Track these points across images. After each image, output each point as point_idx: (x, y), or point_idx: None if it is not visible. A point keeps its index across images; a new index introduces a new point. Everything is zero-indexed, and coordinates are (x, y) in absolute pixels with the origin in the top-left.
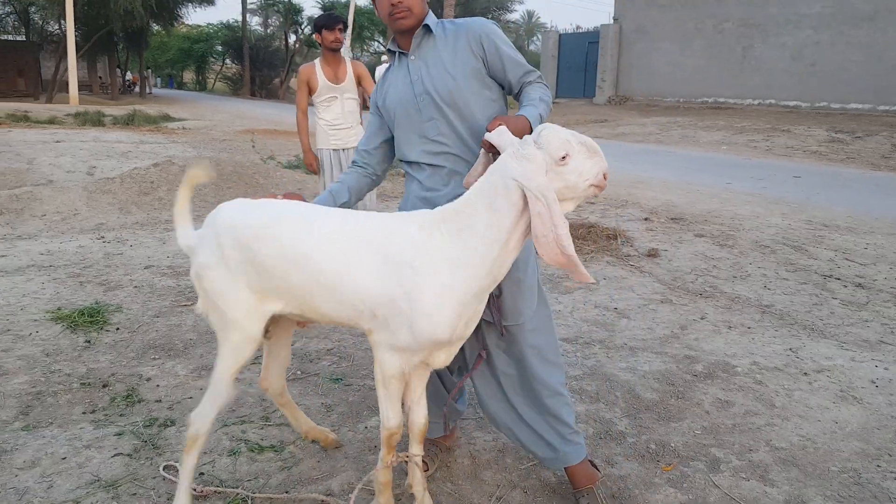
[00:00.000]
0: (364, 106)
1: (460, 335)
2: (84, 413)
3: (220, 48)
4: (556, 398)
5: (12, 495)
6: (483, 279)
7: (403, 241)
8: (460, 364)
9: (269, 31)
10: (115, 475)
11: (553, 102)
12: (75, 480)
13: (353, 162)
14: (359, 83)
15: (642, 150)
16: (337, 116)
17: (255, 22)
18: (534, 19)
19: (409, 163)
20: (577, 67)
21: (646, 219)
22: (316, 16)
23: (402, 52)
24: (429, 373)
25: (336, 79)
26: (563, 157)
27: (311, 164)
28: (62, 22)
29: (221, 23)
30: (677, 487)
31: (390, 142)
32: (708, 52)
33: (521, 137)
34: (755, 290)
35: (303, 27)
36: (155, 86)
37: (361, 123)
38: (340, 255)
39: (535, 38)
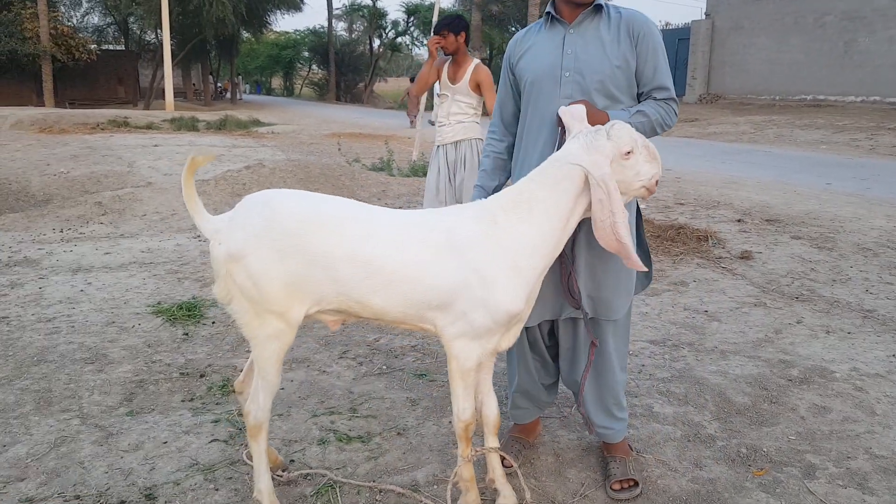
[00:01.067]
0: (484, 112)
1: (527, 312)
2: (183, 401)
3: (306, 54)
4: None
5: (118, 475)
6: (546, 257)
7: (466, 229)
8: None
9: (353, 35)
10: (212, 460)
11: None
12: (176, 463)
13: (491, 137)
14: (478, 89)
15: (735, 149)
16: (443, 114)
17: (340, 27)
18: None
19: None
20: None
21: (738, 220)
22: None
23: (559, 20)
24: (493, 363)
25: (454, 78)
26: (628, 153)
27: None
28: (158, 31)
29: (308, 29)
30: (769, 493)
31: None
32: (807, 47)
33: None
34: (856, 294)
35: (387, 31)
36: (245, 92)
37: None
38: (407, 250)
39: None
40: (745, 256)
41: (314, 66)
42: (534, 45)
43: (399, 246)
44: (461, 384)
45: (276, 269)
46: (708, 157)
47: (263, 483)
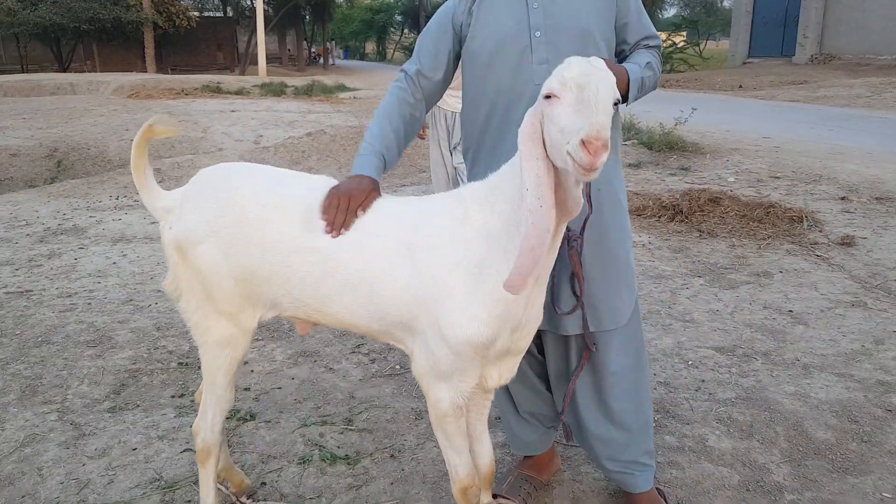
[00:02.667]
0: None
1: (512, 342)
2: (172, 397)
3: (399, 18)
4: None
5: (73, 487)
6: None
7: (432, 224)
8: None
9: None
10: (177, 475)
11: (745, 62)
12: (137, 477)
13: (397, 86)
14: None
15: (846, 115)
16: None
17: None
18: None
19: (487, 128)
20: (776, 23)
21: (842, 198)
22: None
23: None
24: (488, 401)
25: None
26: (548, 97)
27: None
28: None
29: None
30: None
31: (450, 71)
32: None
33: None
34: None
35: None
36: (338, 57)
37: None
38: (365, 248)
39: None
40: (847, 242)
41: (406, 30)
42: (485, 4)
43: (358, 242)
44: (441, 434)
45: (227, 263)
46: (813, 124)
47: None
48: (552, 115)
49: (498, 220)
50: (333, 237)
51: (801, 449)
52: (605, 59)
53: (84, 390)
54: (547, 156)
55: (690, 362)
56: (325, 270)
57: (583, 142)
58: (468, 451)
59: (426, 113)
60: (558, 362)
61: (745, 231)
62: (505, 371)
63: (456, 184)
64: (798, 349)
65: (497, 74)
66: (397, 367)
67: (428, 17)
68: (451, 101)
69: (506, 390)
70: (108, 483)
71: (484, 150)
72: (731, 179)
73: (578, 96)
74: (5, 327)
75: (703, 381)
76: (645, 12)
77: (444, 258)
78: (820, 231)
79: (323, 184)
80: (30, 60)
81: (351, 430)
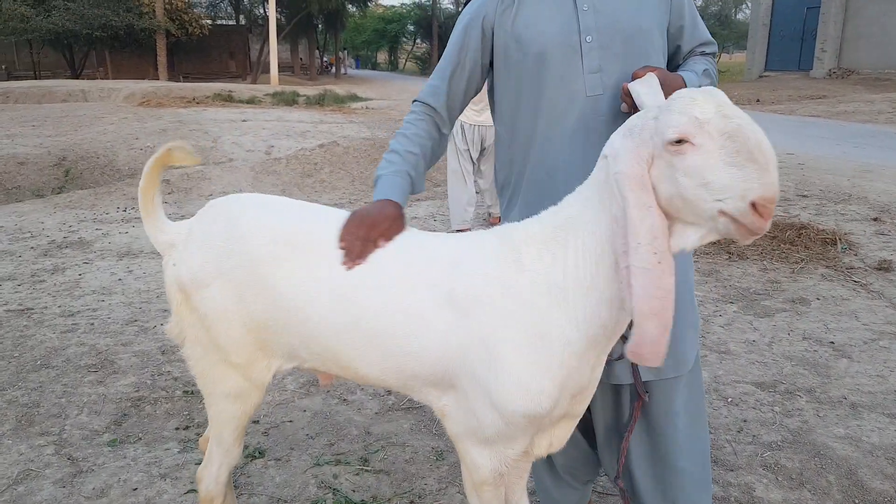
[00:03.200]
0: None
1: (570, 406)
2: (177, 429)
3: (411, 28)
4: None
5: None
6: (593, 320)
7: (477, 268)
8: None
9: (459, 8)
10: None
11: (762, 76)
12: None
13: (418, 111)
14: None
15: (870, 131)
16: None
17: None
18: None
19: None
20: (793, 36)
21: (875, 218)
22: None
23: None
24: (529, 464)
25: None
26: (678, 143)
27: None
28: (266, 6)
29: (413, 2)
30: None
31: (479, 82)
32: None
33: None
34: None
35: None
36: (350, 66)
37: None
38: (392, 295)
39: (743, 4)
40: (884, 267)
41: (419, 40)
42: (528, 6)
43: (384, 288)
44: (475, 501)
45: (236, 309)
46: (837, 140)
47: None
48: (687, 167)
49: (559, 269)
50: (348, 269)
51: (856, 501)
52: (660, 69)
53: (83, 420)
54: (658, 205)
55: (730, 399)
56: (346, 321)
57: (753, 204)
58: None
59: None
60: (607, 414)
61: (776, 253)
62: (556, 439)
63: (473, 201)
64: (844, 386)
65: (540, 86)
66: (415, 400)
67: (441, 27)
68: (470, 113)
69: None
70: None
71: (525, 179)
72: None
73: (729, 146)
74: (4, 349)
75: (745, 420)
76: (697, 14)
77: (495, 313)
78: (855, 254)
79: (345, 218)
80: (42, 67)
81: (367, 470)
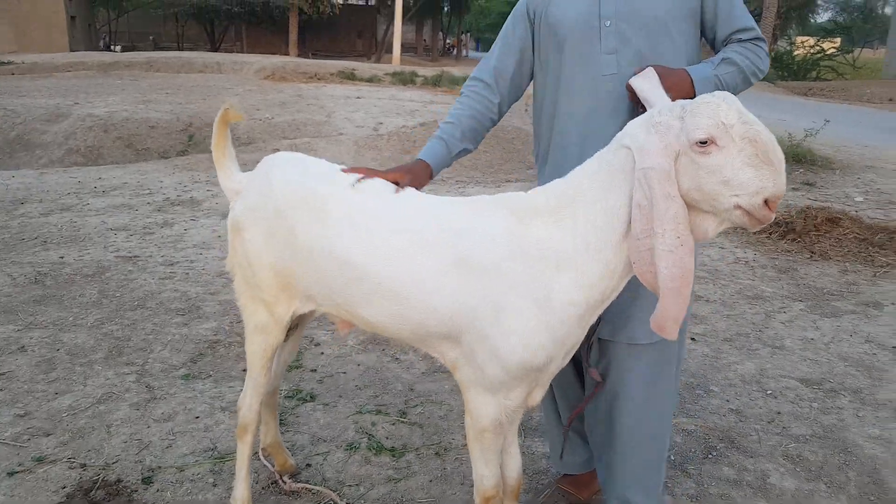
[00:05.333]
0: None
1: (560, 364)
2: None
3: None
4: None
5: (133, 448)
6: (594, 289)
7: (484, 231)
8: None
9: None
10: (230, 447)
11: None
12: (194, 444)
13: (470, 87)
14: None
15: None
16: None
17: None
18: None
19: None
20: None
21: None
22: None
23: None
24: (521, 414)
25: None
26: (704, 144)
27: None
28: None
29: None
30: None
31: (530, 62)
32: None
33: (673, 100)
34: None
35: None
36: (472, 49)
37: None
38: (397, 253)
39: None
40: None
41: None
42: None
43: (389, 247)
44: (477, 447)
45: (266, 252)
46: None
47: (239, 491)
48: (710, 165)
49: (568, 238)
50: (352, 178)
51: (871, 499)
52: (660, 66)
53: (165, 356)
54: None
55: (769, 392)
56: (354, 276)
57: (765, 200)
58: (498, 463)
59: (505, 112)
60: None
61: (862, 256)
62: (543, 386)
63: None
64: (894, 390)
65: (563, 61)
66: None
67: None
68: None
69: (553, 406)
70: (167, 447)
71: (550, 150)
72: (859, 199)
73: (749, 149)
74: (109, 289)
75: (778, 412)
76: (741, 3)
77: (501, 276)
78: None
79: (369, 184)
80: (186, 39)
81: (403, 422)
